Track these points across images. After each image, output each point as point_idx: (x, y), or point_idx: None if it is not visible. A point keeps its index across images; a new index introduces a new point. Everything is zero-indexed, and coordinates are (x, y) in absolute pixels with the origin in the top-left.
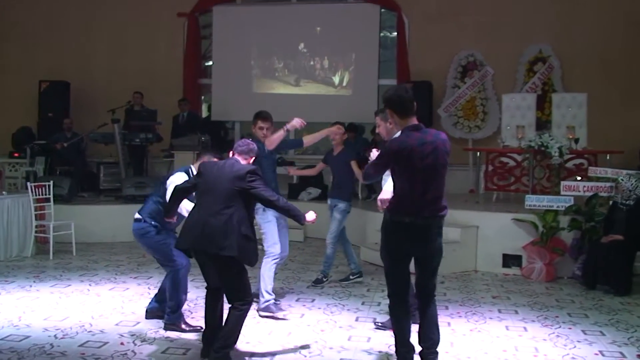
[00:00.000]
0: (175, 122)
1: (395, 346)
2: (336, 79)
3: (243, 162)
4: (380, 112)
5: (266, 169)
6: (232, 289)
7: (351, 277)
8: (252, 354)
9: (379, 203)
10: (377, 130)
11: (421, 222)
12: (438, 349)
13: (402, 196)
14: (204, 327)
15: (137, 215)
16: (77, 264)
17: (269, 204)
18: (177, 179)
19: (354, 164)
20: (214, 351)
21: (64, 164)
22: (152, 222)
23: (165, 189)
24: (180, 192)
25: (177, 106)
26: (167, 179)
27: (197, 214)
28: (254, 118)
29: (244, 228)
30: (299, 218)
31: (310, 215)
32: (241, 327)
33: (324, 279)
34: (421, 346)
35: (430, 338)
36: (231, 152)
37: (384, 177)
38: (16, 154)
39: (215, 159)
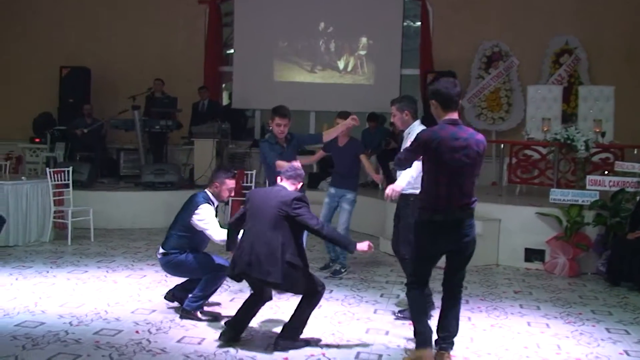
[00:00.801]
0: (195, 109)
1: (415, 330)
2: (358, 68)
3: (291, 187)
4: (397, 101)
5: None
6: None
7: (343, 270)
8: (268, 345)
9: (388, 191)
10: (392, 120)
11: (450, 219)
12: (454, 340)
13: (428, 191)
14: (230, 317)
15: (161, 250)
16: (95, 250)
17: (314, 232)
18: (210, 215)
19: (364, 158)
20: (280, 341)
21: (84, 149)
22: (179, 252)
23: (189, 223)
24: (236, 225)
25: (197, 94)
26: (191, 212)
27: (246, 240)
28: (272, 113)
29: (289, 255)
30: (349, 247)
31: (363, 246)
32: (307, 319)
33: (343, 270)
34: (438, 335)
35: (448, 330)
36: (279, 178)
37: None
38: (37, 140)
39: (230, 178)
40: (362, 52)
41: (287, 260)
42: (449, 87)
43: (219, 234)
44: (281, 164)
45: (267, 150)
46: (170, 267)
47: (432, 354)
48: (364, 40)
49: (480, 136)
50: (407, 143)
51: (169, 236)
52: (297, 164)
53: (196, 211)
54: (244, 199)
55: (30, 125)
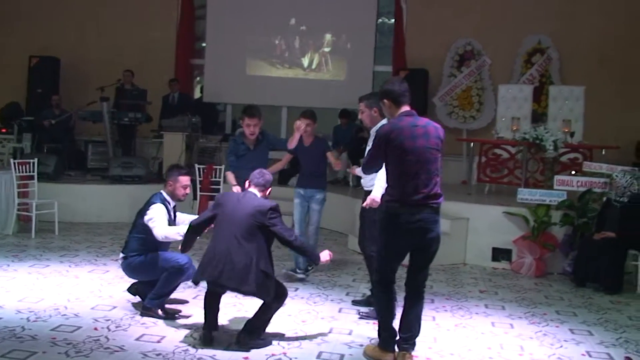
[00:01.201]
0: (165, 102)
1: (379, 330)
2: (327, 65)
3: (260, 194)
4: (365, 98)
5: (248, 165)
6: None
7: (309, 267)
8: (229, 344)
9: (368, 202)
10: (359, 117)
11: (416, 214)
12: (416, 341)
13: (395, 183)
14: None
15: (121, 255)
16: (59, 244)
17: (286, 243)
18: (158, 213)
19: (330, 155)
20: (241, 338)
21: (52, 141)
22: (138, 254)
23: (144, 225)
24: (200, 227)
25: (167, 86)
26: (144, 213)
27: (217, 246)
28: (242, 113)
29: (263, 264)
30: (315, 258)
31: (325, 256)
32: (270, 318)
33: (309, 269)
34: (400, 336)
35: (410, 330)
36: (247, 182)
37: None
38: (4, 130)
39: (183, 174)
40: (333, 49)
41: (261, 269)
42: (395, 83)
43: (161, 231)
44: (230, 178)
45: (230, 149)
46: (131, 269)
47: (393, 358)
48: (336, 36)
49: (436, 124)
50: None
51: (128, 240)
52: (265, 171)
53: (147, 211)
54: (212, 194)
55: None
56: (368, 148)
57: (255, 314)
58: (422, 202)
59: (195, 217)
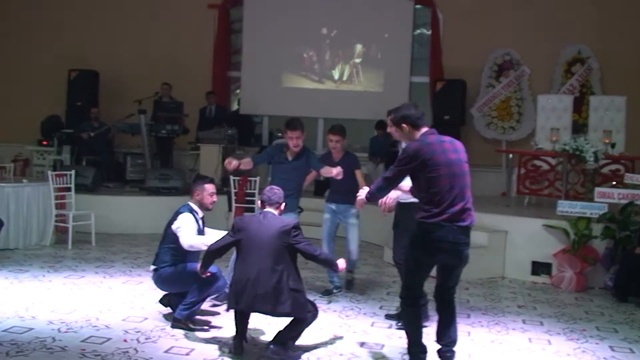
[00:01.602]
0: (202, 114)
1: (408, 347)
2: (361, 76)
3: (276, 212)
4: (394, 111)
5: (283, 175)
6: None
7: (335, 290)
8: (259, 357)
9: (383, 199)
10: (388, 129)
11: (450, 235)
12: (455, 348)
13: (429, 199)
14: (236, 331)
15: (152, 267)
16: (95, 255)
17: (311, 258)
18: (186, 222)
19: (359, 174)
20: (271, 350)
21: (91, 153)
22: (168, 265)
23: (174, 234)
24: (218, 253)
25: (203, 97)
26: (172, 223)
27: (247, 272)
28: (284, 126)
29: (292, 282)
30: (336, 267)
31: (341, 264)
32: (301, 332)
33: (335, 290)
34: (439, 344)
35: (449, 336)
36: (259, 203)
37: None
38: (44, 142)
39: (208, 182)
40: (364, 60)
41: (291, 287)
42: (410, 107)
43: (187, 239)
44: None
45: (265, 151)
46: (162, 281)
47: None
48: (367, 47)
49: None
50: None
51: (159, 252)
52: (274, 187)
53: (175, 220)
54: (247, 205)
55: (38, 128)
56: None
57: (287, 326)
58: (458, 217)
59: (212, 236)
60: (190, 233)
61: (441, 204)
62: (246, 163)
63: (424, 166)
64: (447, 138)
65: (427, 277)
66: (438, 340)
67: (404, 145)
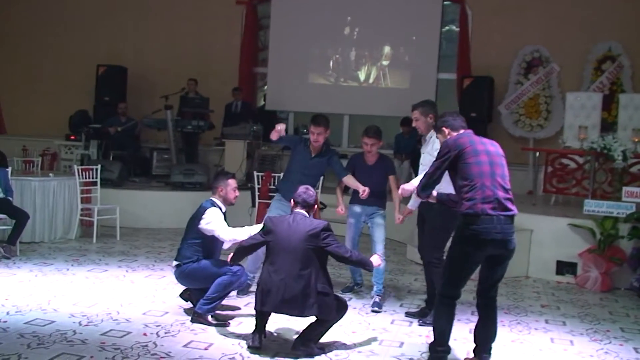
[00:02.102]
0: (228, 110)
1: (433, 344)
2: (388, 78)
3: (308, 213)
4: (419, 105)
5: (304, 170)
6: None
7: (355, 287)
8: (276, 353)
9: (400, 191)
10: (414, 124)
11: (498, 225)
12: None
13: (472, 186)
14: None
15: (175, 263)
16: (119, 249)
17: (343, 260)
18: (217, 216)
19: (393, 180)
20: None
21: (118, 148)
22: (192, 260)
23: (198, 230)
24: (249, 249)
25: (230, 94)
26: (199, 218)
27: (275, 276)
28: (310, 122)
29: (320, 285)
30: (370, 267)
31: (376, 260)
32: (327, 329)
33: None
34: (477, 345)
35: (492, 338)
36: (292, 201)
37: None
38: (72, 137)
39: (230, 177)
40: (392, 62)
41: (319, 291)
42: (454, 115)
43: (227, 234)
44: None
45: (295, 146)
46: (184, 277)
47: None
48: (395, 49)
49: None
50: (428, 147)
51: (181, 248)
52: (309, 187)
53: (203, 216)
54: (269, 201)
55: (66, 123)
56: (423, 155)
57: (312, 324)
58: (503, 206)
59: (249, 229)
60: (225, 226)
61: (485, 191)
62: (280, 131)
63: (464, 154)
64: (486, 140)
65: (471, 275)
66: (475, 340)
67: (431, 135)
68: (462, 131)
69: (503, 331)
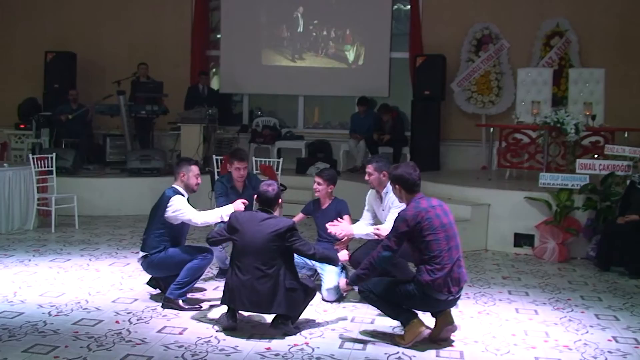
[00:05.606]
0: (192, 94)
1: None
2: (347, 52)
3: (274, 211)
4: (373, 161)
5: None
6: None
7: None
8: (250, 335)
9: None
10: (367, 178)
11: (451, 297)
12: None
13: (431, 262)
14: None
15: (141, 254)
16: (79, 238)
17: (307, 257)
18: (183, 203)
19: (347, 220)
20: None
21: (70, 135)
22: (158, 250)
23: (163, 220)
24: (218, 242)
25: (181, 77)
26: (164, 207)
27: (240, 276)
28: (231, 157)
29: (288, 282)
30: (336, 262)
31: (343, 255)
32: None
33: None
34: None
35: None
36: (255, 196)
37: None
38: (22, 125)
39: (192, 164)
40: (351, 36)
41: (287, 287)
42: (410, 172)
43: (199, 217)
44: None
45: (219, 191)
46: (153, 266)
47: (421, 321)
48: (352, 24)
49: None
50: (385, 203)
51: (146, 238)
52: (271, 182)
53: (168, 204)
54: None
55: (15, 111)
56: (384, 212)
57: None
58: (460, 276)
59: (219, 210)
60: (195, 211)
61: (443, 265)
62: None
63: (422, 230)
64: (435, 202)
65: None
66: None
67: (386, 191)
68: (415, 196)
69: (468, 303)
